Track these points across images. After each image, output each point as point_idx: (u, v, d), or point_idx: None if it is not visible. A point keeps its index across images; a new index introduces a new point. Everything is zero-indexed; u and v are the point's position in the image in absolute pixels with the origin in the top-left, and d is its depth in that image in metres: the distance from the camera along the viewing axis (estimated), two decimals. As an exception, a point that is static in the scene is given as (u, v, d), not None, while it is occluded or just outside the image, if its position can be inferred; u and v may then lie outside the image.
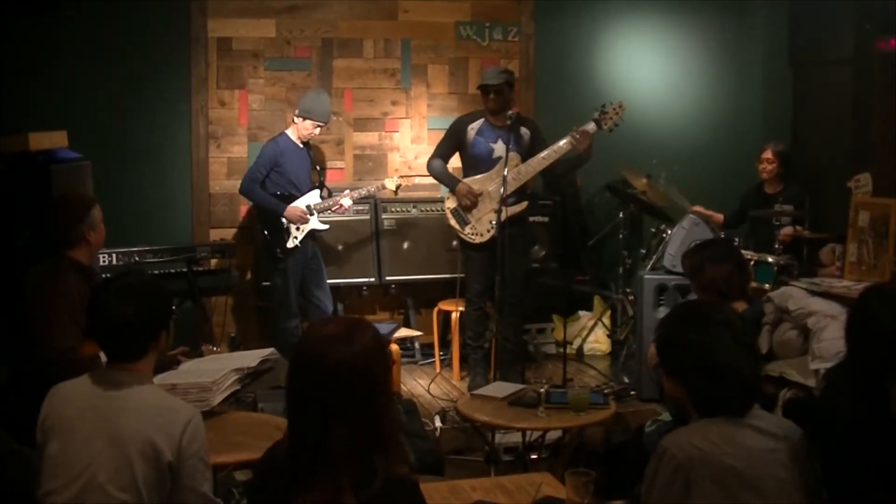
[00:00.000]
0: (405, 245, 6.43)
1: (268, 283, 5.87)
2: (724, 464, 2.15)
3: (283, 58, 6.37)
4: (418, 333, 6.18)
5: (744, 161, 6.55)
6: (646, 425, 3.83)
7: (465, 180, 5.53)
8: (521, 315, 5.70)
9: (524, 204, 5.52)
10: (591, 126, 5.36)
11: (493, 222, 5.31)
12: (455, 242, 5.98)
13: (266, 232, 5.70)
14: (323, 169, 6.29)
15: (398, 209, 6.43)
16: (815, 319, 4.27)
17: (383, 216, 6.39)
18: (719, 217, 6.08)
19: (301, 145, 5.78)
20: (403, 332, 5.91)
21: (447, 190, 5.66)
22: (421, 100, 6.65)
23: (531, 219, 5.88)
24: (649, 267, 6.00)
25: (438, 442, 4.83)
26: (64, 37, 5.88)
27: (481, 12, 6.71)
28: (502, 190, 5.16)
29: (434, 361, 6.21)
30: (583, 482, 2.50)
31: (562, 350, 5.83)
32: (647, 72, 7.03)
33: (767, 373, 4.25)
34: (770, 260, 5.15)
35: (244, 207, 6.28)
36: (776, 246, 5.36)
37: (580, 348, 6.57)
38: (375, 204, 6.37)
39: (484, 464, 4.58)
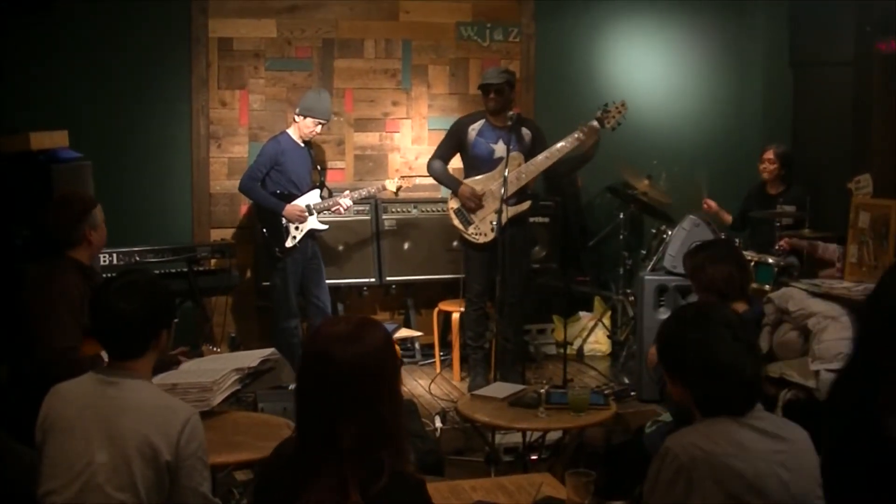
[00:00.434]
0: (406, 245, 6.43)
1: (268, 283, 5.86)
2: (726, 465, 2.14)
3: (284, 58, 6.37)
4: (418, 334, 6.19)
5: (744, 162, 6.55)
6: (646, 426, 3.83)
7: (467, 181, 5.53)
8: (521, 315, 5.70)
9: (526, 204, 5.52)
10: (594, 124, 5.38)
11: (496, 222, 5.31)
12: (456, 243, 5.98)
13: (265, 231, 5.70)
14: (323, 169, 6.29)
15: (399, 209, 6.43)
16: (816, 320, 4.27)
17: (384, 216, 6.39)
18: (728, 217, 6.09)
19: (302, 144, 5.78)
20: (404, 333, 5.92)
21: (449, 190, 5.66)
22: (422, 100, 6.65)
23: (532, 219, 5.88)
24: (650, 268, 6.00)
25: (439, 442, 4.83)
26: (65, 36, 5.88)
27: (482, 13, 6.72)
28: (503, 190, 5.15)
29: (434, 362, 6.21)
30: (583, 482, 2.51)
31: (562, 350, 5.83)
32: (648, 73, 7.03)
33: (768, 374, 4.24)
34: (770, 261, 5.15)
35: (244, 207, 6.29)
36: (777, 247, 5.37)
37: (580, 349, 6.57)
38: (376, 204, 6.37)
39: (484, 464, 4.57)
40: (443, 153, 5.64)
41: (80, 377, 2.55)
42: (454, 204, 5.58)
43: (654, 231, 6.36)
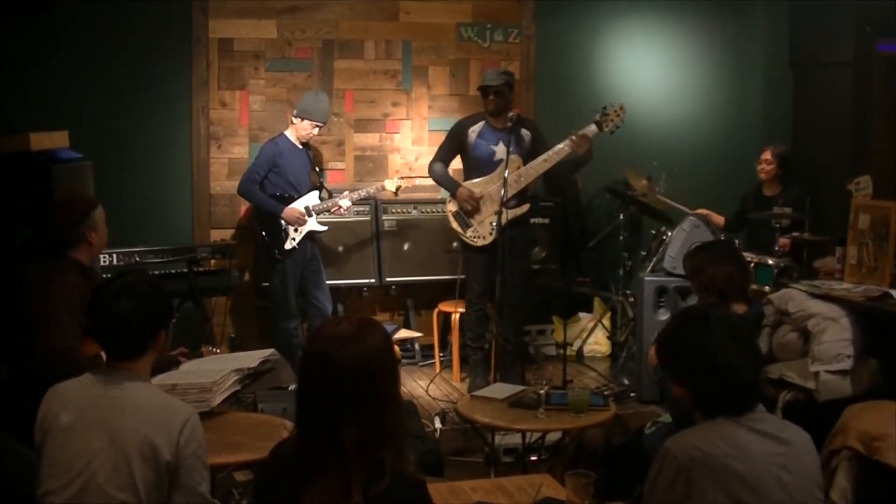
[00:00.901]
0: (405, 246, 6.43)
1: (267, 284, 5.87)
2: (726, 466, 2.15)
3: (284, 58, 6.37)
4: (418, 334, 6.18)
5: (744, 163, 6.54)
6: (646, 427, 3.83)
7: (466, 183, 5.53)
8: (521, 316, 5.70)
9: (526, 206, 5.53)
10: (591, 128, 5.37)
11: (495, 224, 5.31)
12: (455, 244, 5.98)
13: (264, 233, 5.70)
14: (322, 170, 6.29)
15: (398, 210, 6.43)
16: (815, 322, 4.27)
17: (384, 217, 6.39)
18: (720, 219, 6.08)
19: (300, 146, 5.78)
20: (403, 333, 5.91)
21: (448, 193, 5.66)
22: (422, 101, 6.65)
23: (532, 220, 5.88)
24: (649, 269, 6.00)
25: (438, 443, 4.82)
26: (65, 37, 5.88)
27: (482, 14, 6.72)
28: (503, 192, 5.15)
29: (434, 362, 6.22)
30: (583, 483, 2.51)
31: (562, 351, 5.83)
32: (648, 73, 7.03)
33: (767, 375, 4.25)
34: (770, 262, 5.15)
35: (244, 208, 6.28)
36: (775, 248, 5.37)
37: (580, 350, 6.56)
38: (376, 205, 6.37)
39: (484, 465, 4.57)
40: (443, 155, 5.65)
41: (79, 377, 2.56)
42: (452, 207, 5.57)
43: (653, 232, 6.36)
